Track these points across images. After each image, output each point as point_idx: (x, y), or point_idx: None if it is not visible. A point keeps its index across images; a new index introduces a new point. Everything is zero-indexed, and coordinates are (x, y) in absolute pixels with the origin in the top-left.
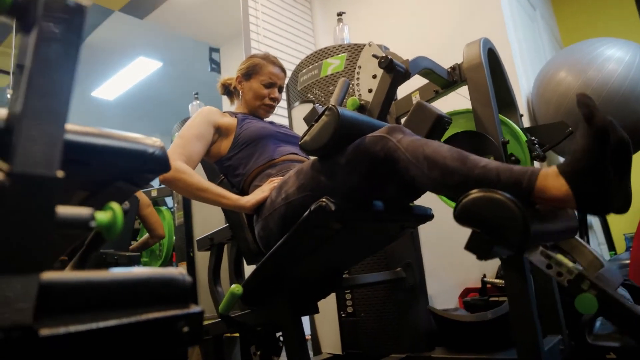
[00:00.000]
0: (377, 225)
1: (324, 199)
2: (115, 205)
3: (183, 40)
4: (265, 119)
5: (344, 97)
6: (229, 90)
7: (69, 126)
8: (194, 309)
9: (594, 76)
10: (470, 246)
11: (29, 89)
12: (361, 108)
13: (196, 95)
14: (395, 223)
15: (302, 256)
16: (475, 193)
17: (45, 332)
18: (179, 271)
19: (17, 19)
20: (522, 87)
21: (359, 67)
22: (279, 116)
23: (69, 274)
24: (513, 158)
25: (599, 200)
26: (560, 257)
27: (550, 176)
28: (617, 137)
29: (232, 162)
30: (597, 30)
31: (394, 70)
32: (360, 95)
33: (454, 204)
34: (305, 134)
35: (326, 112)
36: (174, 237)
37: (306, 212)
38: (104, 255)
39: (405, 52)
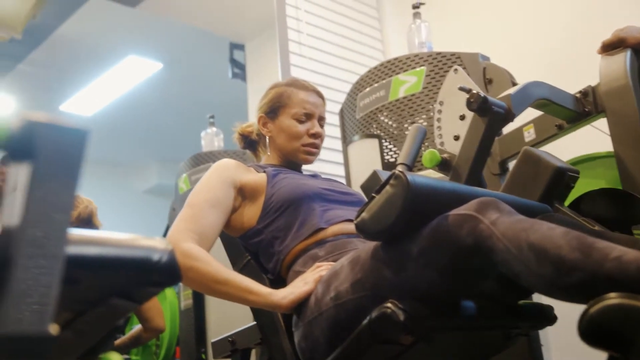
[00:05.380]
0: (467, 335)
1: (389, 303)
2: (115, 357)
3: (192, 33)
4: (305, 173)
5: (418, 151)
6: (251, 141)
7: None
8: None
9: None
10: None
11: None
12: (444, 164)
13: (211, 120)
14: (497, 330)
15: None
16: (611, 298)
17: None
18: None
19: (11, 154)
20: None
21: (440, 102)
22: (329, 151)
23: None
24: None
25: None
26: None
27: None
28: None
29: (262, 238)
30: None
31: (490, 113)
32: (442, 144)
33: None
34: (362, 210)
35: (391, 181)
36: (178, 327)
37: (365, 321)
38: None
39: (512, 60)
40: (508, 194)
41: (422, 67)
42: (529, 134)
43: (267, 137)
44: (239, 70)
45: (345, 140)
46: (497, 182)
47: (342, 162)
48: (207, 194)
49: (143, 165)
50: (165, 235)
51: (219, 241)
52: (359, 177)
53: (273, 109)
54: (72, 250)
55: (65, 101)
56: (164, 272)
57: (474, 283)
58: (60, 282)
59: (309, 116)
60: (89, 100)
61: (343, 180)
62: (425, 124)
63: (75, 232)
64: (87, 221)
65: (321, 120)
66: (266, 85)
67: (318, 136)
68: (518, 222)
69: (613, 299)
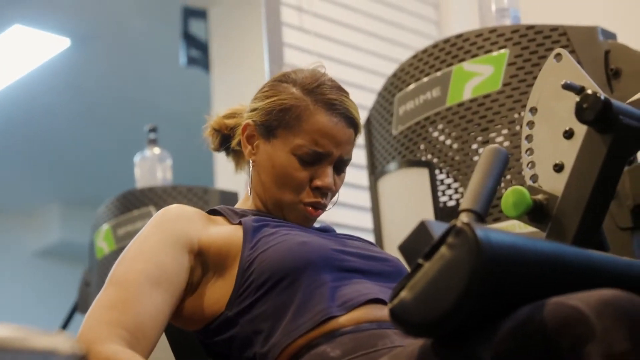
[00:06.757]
0: None
1: None
2: None
3: None
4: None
5: (495, 189)
6: (228, 146)
7: None
8: None
9: None
10: None
11: None
12: (538, 211)
13: (152, 135)
14: None
15: None
16: None
17: None
18: None
19: None
20: None
21: (533, 110)
22: (349, 188)
23: None
24: None
25: None
26: None
27: None
28: None
29: (236, 332)
30: None
31: (617, 127)
32: (535, 177)
33: None
34: (402, 286)
35: (450, 239)
36: None
37: None
38: None
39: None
40: None
41: (503, 50)
42: None
43: (251, 160)
44: (198, 52)
45: (374, 171)
46: (627, 241)
47: (369, 206)
48: (146, 263)
49: (34, 210)
50: (66, 324)
51: (162, 341)
52: (397, 231)
53: (269, 126)
54: None
55: None
56: None
57: None
58: None
59: (320, 157)
60: None
61: (370, 237)
62: (507, 144)
63: None
64: None
65: (341, 164)
66: (242, 79)
67: (326, 192)
68: None
69: None
